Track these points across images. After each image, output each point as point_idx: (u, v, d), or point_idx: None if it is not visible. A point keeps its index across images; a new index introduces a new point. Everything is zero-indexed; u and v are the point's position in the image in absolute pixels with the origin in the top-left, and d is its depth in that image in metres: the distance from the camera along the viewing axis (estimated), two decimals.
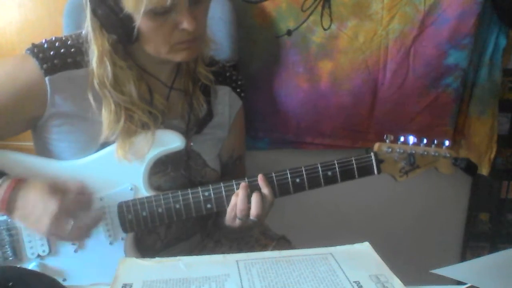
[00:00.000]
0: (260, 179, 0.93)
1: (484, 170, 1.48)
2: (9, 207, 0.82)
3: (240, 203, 0.91)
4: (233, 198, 0.92)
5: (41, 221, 0.81)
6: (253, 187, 0.93)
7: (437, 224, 1.63)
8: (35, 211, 0.81)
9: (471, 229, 1.65)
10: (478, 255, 1.55)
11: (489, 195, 1.62)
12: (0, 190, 0.82)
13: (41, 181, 0.84)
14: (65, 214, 0.81)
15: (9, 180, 0.83)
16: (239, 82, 1.09)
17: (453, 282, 0.69)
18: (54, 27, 0.95)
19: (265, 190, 0.93)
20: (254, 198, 0.91)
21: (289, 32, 1.35)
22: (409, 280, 0.65)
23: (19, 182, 0.83)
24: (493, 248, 1.66)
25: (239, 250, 1.06)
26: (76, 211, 0.83)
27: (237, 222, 0.93)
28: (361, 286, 0.62)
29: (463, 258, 1.67)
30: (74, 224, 0.81)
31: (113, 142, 0.92)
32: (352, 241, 0.75)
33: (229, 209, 0.93)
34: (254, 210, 0.91)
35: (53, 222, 0.80)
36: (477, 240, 1.66)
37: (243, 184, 0.93)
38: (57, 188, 0.82)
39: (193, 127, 1.00)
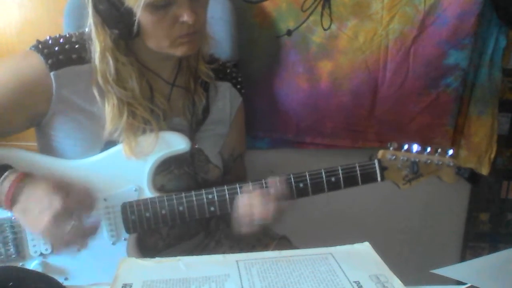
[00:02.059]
0: (280, 182, 0.91)
1: (484, 170, 1.48)
2: (13, 200, 0.80)
3: (261, 208, 0.88)
4: (247, 205, 0.89)
5: (41, 217, 0.78)
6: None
7: (437, 224, 1.63)
8: (37, 207, 0.79)
9: (471, 229, 1.65)
10: (478, 255, 1.54)
11: (489, 195, 1.62)
12: (6, 182, 0.80)
13: (47, 178, 0.82)
14: (67, 214, 0.78)
15: (15, 173, 0.82)
16: (239, 79, 1.09)
17: (453, 282, 0.70)
18: (54, 27, 0.95)
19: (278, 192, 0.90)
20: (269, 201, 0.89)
21: (289, 32, 1.35)
22: (409, 280, 0.65)
23: (25, 177, 0.82)
24: (493, 248, 1.66)
25: (240, 249, 1.06)
26: (78, 213, 0.81)
27: (252, 227, 0.90)
28: (361, 286, 0.62)
29: (463, 258, 1.67)
30: (73, 225, 0.79)
31: (118, 142, 0.92)
32: (352, 241, 0.75)
33: (241, 215, 0.90)
34: (264, 213, 0.88)
35: (54, 219, 0.77)
36: (477, 240, 1.66)
37: (258, 191, 0.90)
38: (62, 187, 0.80)
39: (194, 125, 1.01)
